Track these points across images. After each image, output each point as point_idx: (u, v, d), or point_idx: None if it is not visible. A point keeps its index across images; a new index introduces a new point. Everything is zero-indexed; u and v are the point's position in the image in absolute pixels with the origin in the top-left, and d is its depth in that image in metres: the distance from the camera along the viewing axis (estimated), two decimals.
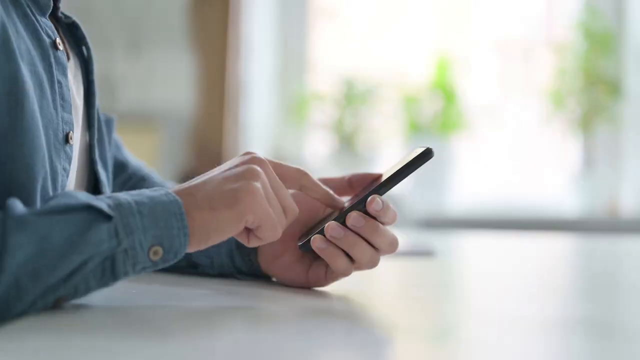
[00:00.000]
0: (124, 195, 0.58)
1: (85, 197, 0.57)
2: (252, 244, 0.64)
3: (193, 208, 0.59)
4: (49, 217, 0.54)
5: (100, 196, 0.58)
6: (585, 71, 3.23)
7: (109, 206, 0.56)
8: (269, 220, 0.61)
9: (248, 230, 0.63)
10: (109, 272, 0.56)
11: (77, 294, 0.56)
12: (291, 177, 0.68)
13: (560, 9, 3.56)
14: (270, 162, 0.66)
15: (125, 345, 0.46)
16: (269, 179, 0.63)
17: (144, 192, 0.59)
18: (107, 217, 0.55)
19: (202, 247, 0.60)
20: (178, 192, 0.60)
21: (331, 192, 0.71)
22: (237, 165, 0.63)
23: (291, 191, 0.69)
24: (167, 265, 0.58)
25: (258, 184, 0.61)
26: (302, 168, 0.69)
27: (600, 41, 3.23)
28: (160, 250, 0.57)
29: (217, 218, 0.59)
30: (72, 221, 0.54)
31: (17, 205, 0.55)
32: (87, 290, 0.56)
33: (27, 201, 0.60)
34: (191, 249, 0.59)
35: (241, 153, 0.66)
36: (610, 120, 3.22)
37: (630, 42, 3.27)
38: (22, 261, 0.52)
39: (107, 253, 0.55)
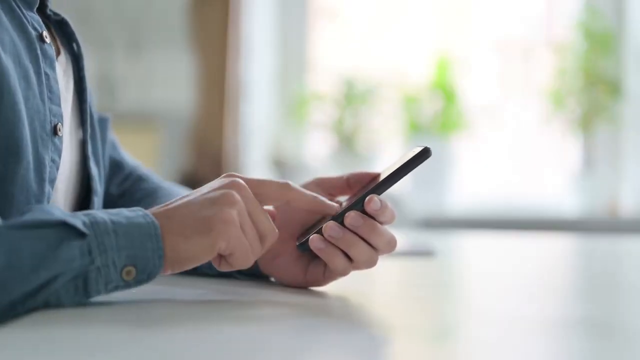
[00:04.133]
0: (102, 214, 0.57)
1: (60, 213, 0.56)
2: (223, 269, 0.63)
3: (167, 232, 0.58)
4: (21, 231, 0.54)
5: (78, 213, 0.57)
6: (585, 71, 3.23)
7: (84, 224, 0.56)
8: (242, 248, 0.61)
9: (220, 256, 0.62)
10: (82, 290, 0.56)
11: (47, 306, 0.55)
12: (275, 194, 0.66)
13: (560, 9, 3.56)
14: (252, 182, 0.64)
15: (121, 343, 0.46)
16: (247, 204, 0.62)
17: (122, 212, 0.58)
18: (81, 235, 0.55)
19: (176, 271, 0.60)
20: (156, 214, 0.59)
21: (320, 197, 0.68)
22: (215, 189, 0.62)
23: None
24: (140, 285, 0.58)
25: (233, 211, 0.60)
26: (285, 182, 0.67)
27: (600, 41, 3.23)
28: (133, 270, 0.57)
29: (190, 245, 0.59)
30: (44, 236, 0.54)
31: None
32: (59, 305, 0.56)
33: (6, 192, 0.61)
34: (165, 272, 0.59)
35: (222, 175, 0.65)
36: (610, 120, 3.22)
37: (630, 42, 3.27)
38: None
39: (79, 270, 0.55)
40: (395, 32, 3.57)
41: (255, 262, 0.76)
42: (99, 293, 0.57)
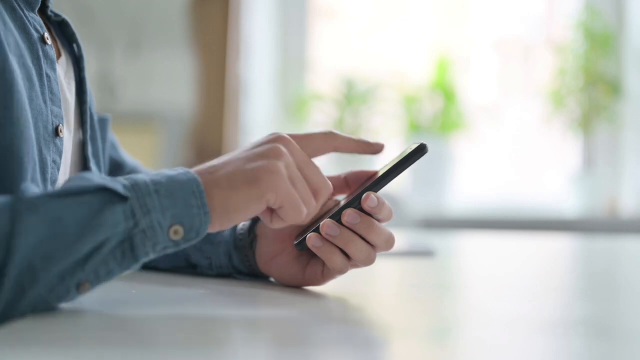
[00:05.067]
0: (142, 176, 0.57)
1: (99, 178, 0.55)
2: (275, 224, 0.63)
3: (212, 186, 0.58)
4: (61, 200, 0.53)
5: (118, 177, 0.57)
6: (585, 71, 3.23)
7: (125, 187, 0.55)
8: (292, 200, 0.60)
9: (271, 211, 0.62)
10: (129, 254, 0.54)
11: (99, 278, 0.54)
12: (321, 143, 0.68)
13: (560, 9, 3.56)
14: (297, 136, 0.66)
15: (122, 346, 0.46)
16: (295, 158, 0.62)
17: (163, 172, 0.58)
18: (123, 198, 0.54)
19: (225, 226, 0.59)
20: (197, 171, 0.59)
21: (363, 139, 0.71)
22: (260, 145, 0.62)
23: None
24: (189, 244, 0.57)
25: (280, 163, 0.60)
26: (329, 130, 0.69)
27: (600, 41, 3.22)
28: (180, 229, 0.56)
29: (238, 196, 0.58)
30: (85, 203, 0.53)
31: (30, 188, 0.54)
32: (109, 273, 0.54)
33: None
34: (213, 228, 0.58)
35: (268, 134, 0.65)
36: (610, 120, 3.22)
37: (630, 42, 3.27)
38: (33, 244, 0.51)
39: (124, 234, 0.54)
40: (394, 31, 3.57)
41: (254, 262, 0.76)
42: (147, 255, 0.55)
